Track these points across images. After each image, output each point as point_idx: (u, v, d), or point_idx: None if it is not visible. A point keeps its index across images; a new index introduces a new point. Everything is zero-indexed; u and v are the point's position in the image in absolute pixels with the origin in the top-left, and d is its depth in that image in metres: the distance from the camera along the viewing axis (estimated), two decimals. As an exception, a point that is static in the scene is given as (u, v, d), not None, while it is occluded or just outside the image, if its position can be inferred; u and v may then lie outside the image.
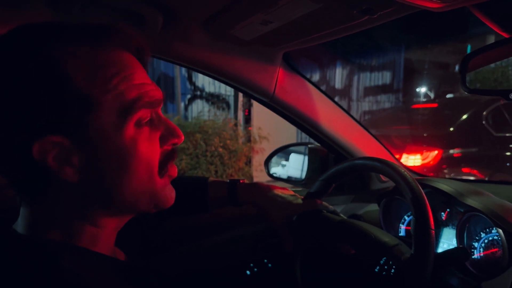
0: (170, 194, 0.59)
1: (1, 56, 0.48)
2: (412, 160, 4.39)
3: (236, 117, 7.17)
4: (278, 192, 0.96)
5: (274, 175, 1.47)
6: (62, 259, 0.49)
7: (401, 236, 1.08)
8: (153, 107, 0.55)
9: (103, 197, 0.53)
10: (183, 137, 0.58)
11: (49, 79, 0.47)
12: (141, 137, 0.53)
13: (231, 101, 7.46)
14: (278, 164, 1.50)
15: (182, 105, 7.00)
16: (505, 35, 0.66)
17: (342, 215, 0.95)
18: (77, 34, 0.51)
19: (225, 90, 7.37)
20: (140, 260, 0.72)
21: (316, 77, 9.25)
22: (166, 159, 0.57)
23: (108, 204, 0.54)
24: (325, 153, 1.38)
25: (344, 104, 9.33)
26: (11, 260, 0.49)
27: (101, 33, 0.52)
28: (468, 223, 0.92)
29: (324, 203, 0.95)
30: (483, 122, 4.49)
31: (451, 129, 4.64)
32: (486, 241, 0.89)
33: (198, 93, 7.27)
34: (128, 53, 0.54)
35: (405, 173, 0.78)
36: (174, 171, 0.60)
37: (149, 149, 0.54)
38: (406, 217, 1.09)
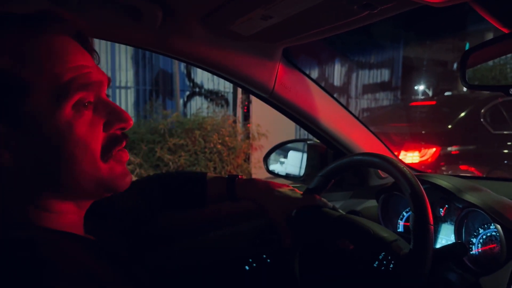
0: (121, 179, 0.57)
1: None
2: (410, 157, 4.40)
3: (235, 114, 7.15)
4: (277, 187, 0.96)
5: (273, 172, 1.47)
6: (20, 236, 0.49)
7: (399, 232, 1.08)
8: (91, 89, 0.53)
9: (47, 181, 0.53)
10: (131, 121, 0.57)
11: None
12: (79, 121, 0.52)
13: (230, 98, 7.44)
14: (276, 161, 1.50)
15: (181, 101, 6.97)
16: (505, 30, 0.66)
17: (340, 211, 0.95)
18: (6, 22, 0.51)
19: (224, 87, 7.36)
20: (133, 253, 0.72)
21: (314, 74, 9.24)
22: (111, 143, 0.56)
23: (56, 189, 0.54)
24: (324, 149, 1.38)
25: (343, 101, 9.30)
26: None
27: (33, 20, 0.52)
28: (466, 219, 0.93)
29: (323, 199, 0.95)
30: (481, 119, 4.50)
31: (449, 126, 4.65)
32: (484, 237, 0.89)
33: (197, 90, 7.25)
34: (67, 37, 0.54)
35: (404, 168, 0.78)
36: (123, 156, 0.58)
37: (89, 133, 0.53)
38: (404, 213, 1.09)
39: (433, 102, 6.00)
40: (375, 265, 0.79)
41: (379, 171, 1.34)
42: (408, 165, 1.47)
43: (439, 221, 0.99)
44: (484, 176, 4.19)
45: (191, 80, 7.20)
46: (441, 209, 0.99)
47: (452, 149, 4.56)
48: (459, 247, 0.80)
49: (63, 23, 0.54)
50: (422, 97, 9.79)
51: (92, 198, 0.59)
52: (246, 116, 7.11)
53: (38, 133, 0.50)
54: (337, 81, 9.70)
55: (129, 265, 0.65)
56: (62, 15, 0.54)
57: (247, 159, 6.15)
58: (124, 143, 0.58)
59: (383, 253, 0.78)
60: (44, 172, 0.52)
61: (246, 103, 7.13)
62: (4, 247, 0.48)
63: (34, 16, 0.52)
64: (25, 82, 0.49)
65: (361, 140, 1.30)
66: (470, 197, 0.89)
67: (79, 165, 0.52)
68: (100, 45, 5.86)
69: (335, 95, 1.27)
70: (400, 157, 3.99)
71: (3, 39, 0.49)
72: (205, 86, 7.30)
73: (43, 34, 0.51)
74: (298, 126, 1.33)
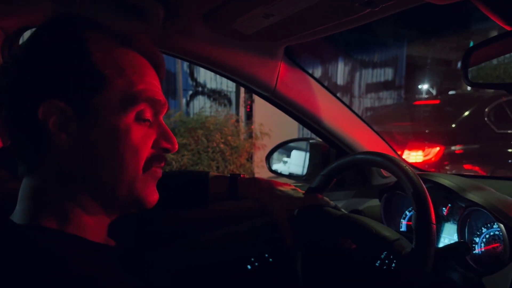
0: (151, 194, 0.61)
1: (40, 32, 0.56)
2: (413, 156, 4.38)
3: (237, 113, 7.15)
4: (279, 186, 0.96)
5: (276, 171, 1.47)
6: (62, 256, 0.50)
7: (402, 231, 1.08)
8: (154, 106, 0.59)
9: (88, 175, 0.56)
10: (176, 146, 0.62)
11: (71, 50, 0.54)
12: (136, 129, 0.57)
13: (233, 97, 7.44)
14: (279, 160, 1.50)
15: (183, 101, 6.98)
16: (508, 28, 0.65)
17: (343, 210, 0.94)
18: (106, 31, 0.58)
19: (227, 86, 7.35)
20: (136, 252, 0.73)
21: (318, 72, 9.23)
22: (153, 160, 0.60)
23: (92, 186, 0.56)
24: (327, 148, 1.38)
25: (346, 100, 9.28)
26: (6, 253, 0.49)
27: (126, 36, 0.59)
28: (469, 218, 0.92)
29: (325, 198, 0.95)
30: (485, 118, 4.47)
31: (453, 125, 4.63)
32: (487, 236, 0.89)
33: (200, 89, 7.25)
34: (147, 62, 0.61)
35: (407, 167, 0.78)
36: (158, 172, 0.62)
37: (140, 143, 0.57)
38: (407, 212, 1.08)
39: (437, 101, 5.97)
40: (377, 264, 0.79)
41: (381, 170, 1.34)
42: (411, 164, 1.47)
43: (442, 220, 0.99)
44: (488, 175, 4.18)
45: (194, 79, 7.20)
46: (444, 208, 0.99)
47: (456, 148, 4.54)
48: (462, 246, 0.80)
49: (147, 48, 0.61)
50: (426, 96, 9.75)
51: (119, 208, 0.61)
52: (249, 115, 7.11)
53: (98, 126, 0.55)
54: (340, 80, 9.67)
55: (145, 271, 0.67)
56: (147, 42, 0.62)
57: (250, 158, 6.14)
58: (162, 162, 0.62)
59: (385, 252, 0.78)
60: (89, 163, 0.55)
61: (249, 102, 7.13)
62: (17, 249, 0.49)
63: (124, 32, 0.60)
64: (106, 78, 0.55)
65: (364, 139, 1.30)
66: (473, 196, 0.88)
67: (123, 167, 0.56)
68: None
69: (338, 94, 1.28)
70: (404, 156, 3.98)
71: (101, 44, 0.56)
72: (208, 85, 7.29)
73: (131, 50, 0.59)
74: (301, 125, 1.33)
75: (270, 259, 1.17)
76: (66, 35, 0.55)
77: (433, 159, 4.33)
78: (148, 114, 0.58)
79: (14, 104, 0.54)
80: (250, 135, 6.31)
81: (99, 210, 0.59)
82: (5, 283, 0.46)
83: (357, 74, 9.98)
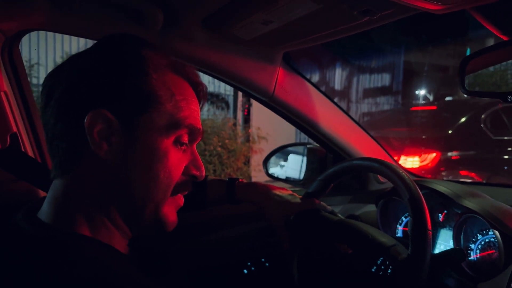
0: (172, 217, 0.62)
1: (103, 43, 0.59)
2: (410, 162, 4.40)
3: (235, 116, 7.16)
4: (276, 191, 0.96)
5: (273, 175, 1.47)
6: (109, 269, 0.50)
7: (398, 237, 1.08)
8: (192, 133, 0.61)
9: (120, 187, 0.56)
10: (204, 174, 0.65)
11: (130, 66, 0.56)
12: (173, 152, 0.59)
13: (231, 100, 7.45)
14: (276, 164, 1.50)
15: (181, 104, 6.97)
16: (504, 38, 0.66)
17: (339, 215, 0.95)
18: (161, 55, 0.60)
19: (225, 90, 7.36)
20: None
21: (315, 78, 9.25)
22: (181, 185, 0.62)
23: (121, 199, 0.57)
24: (324, 153, 1.38)
25: (343, 105, 9.33)
26: (53, 260, 0.49)
27: (178, 63, 0.62)
28: (465, 225, 0.93)
29: (322, 203, 0.95)
30: (482, 125, 4.50)
31: (450, 131, 4.65)
32: (482, 242, 0.89)
33: (198, 92, 7.25)
34: (192, 89, 0.63)
35: (403, 173, 0.78)
36: (181, 200, 0.64)
37: (175, 165, 0.59)
38: (403, 218, 1.09)
39: (434, 107, 6.00)
40: (373, 270, 0.79)
41: (378, 175, 1.35)
42: (408, 170, 1.48)
43: (438, 226, 0.99)
44: (484, 181, 4.19)
45: (192, 82, 7.19)
46: (440, 214, 0.99)
47: (452, 154, 4.56)
48: (457, 252, 0.80)
49: (194, 82, 0.64)
50: (423, 102, 9.78)
51: (140, 228, 0.61)
52: (247, 119, 7.12)
53: (140, 143, 0.56)
54: (338, 85, 9.70)
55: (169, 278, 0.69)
56: (197, 79, 0.64)
57: (247, 162, 6.14)
58: (187, 190, 0.64)
59: (381, 258, 0.78)
60: (125, 177, 0.56)
61: (247, 106, 7.14)
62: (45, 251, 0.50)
63: (181, 63, 0.62)
64: (159, 99, 0.56)
65: (361, 144, 1.31)
66: (469, 203, 0.89)
67: (155, 186, 0.58)
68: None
69: (336, 99, 1.28)
70: (400, 162, 3.99)
71: (157, 66, 0.58)
72: (206, 89, 7.29)
73: (181, 77, 0.62)
74: (298, 130, 1.33)
75: (267, 264, 1.17)
76: (128, 50, 0.57)
77: (429, 165, 4.35)
78: (186, 140, 0.60)
79: (64, 105, 0.55)
80: (247, 139, 6.31)
81: (124, 227, 0.59)
82: None
83: (355, 80, 10.01)
